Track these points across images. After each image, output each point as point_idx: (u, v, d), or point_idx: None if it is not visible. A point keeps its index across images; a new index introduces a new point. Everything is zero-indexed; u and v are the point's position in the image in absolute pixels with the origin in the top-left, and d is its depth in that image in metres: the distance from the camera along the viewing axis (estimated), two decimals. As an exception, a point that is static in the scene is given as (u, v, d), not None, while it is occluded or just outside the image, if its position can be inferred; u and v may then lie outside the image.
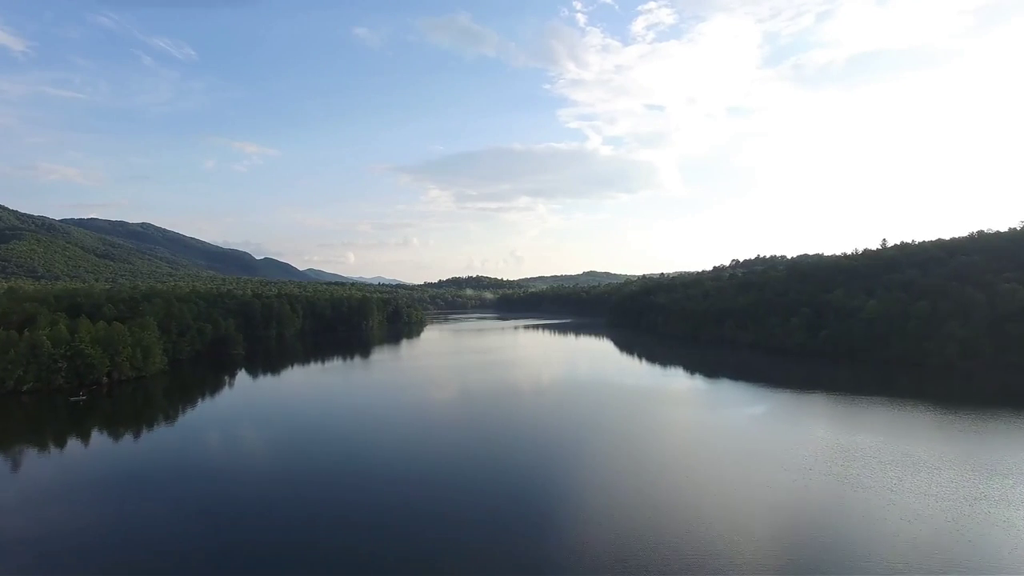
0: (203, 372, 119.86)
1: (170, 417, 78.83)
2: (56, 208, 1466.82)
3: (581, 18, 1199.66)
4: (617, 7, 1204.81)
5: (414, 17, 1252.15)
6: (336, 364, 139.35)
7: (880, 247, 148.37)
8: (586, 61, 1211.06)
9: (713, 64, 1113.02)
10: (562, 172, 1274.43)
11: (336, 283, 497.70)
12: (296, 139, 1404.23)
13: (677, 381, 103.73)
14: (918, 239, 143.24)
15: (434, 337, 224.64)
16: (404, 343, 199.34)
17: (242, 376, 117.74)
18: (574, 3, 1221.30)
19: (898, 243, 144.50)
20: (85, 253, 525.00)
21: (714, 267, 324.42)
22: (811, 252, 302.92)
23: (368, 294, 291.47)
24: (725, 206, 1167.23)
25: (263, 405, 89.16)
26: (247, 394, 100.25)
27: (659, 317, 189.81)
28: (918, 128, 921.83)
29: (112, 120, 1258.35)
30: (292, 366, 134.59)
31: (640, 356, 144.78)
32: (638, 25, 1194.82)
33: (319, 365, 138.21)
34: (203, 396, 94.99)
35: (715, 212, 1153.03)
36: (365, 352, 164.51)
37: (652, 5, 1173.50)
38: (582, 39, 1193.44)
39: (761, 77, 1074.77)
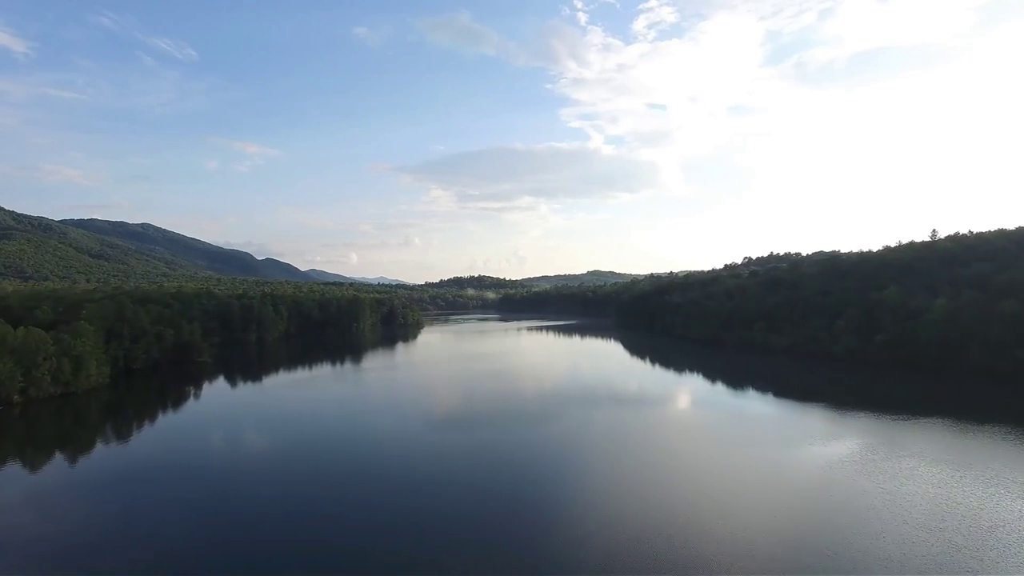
0: (157, 384, 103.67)
1: (83, 448, 62.42)
2: (59, 209, 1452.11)
3: (582, 17, 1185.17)
4: (618, 6, 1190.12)
5: (414, 16, 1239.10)
6: (315, 372, 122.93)
7: (931, 238, 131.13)
8: (587, 60, 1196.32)
9: (715, 63, 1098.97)
10: (564, 172, 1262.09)
11: (335, 283, 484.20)
12: (297, 139, 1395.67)
13: (717, 398, 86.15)
14: (973, 230, 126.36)
15: (431, 340, 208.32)
16: (396, 347, 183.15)
17: (204, 388, 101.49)
18: (575, 2, 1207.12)
19: (952, 234, 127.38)
20: (79, 254, 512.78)
21: (726, 265, 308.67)
22: (827, 249, 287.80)
23: (360, 294, 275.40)
24: (729, 205, 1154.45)
25: (215, 425, 72.64)
26: (202, 410, 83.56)
27: (676, 318, 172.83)
28: (922, 126, 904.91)
29: (114, 121, 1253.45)
30: (264, 375, 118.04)
31: (661, 364, 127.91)
32: (639, 24, 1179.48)
33: (295, 374, 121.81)
34: (144, 416, 78.64)
35: (719, 211, 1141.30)
36: (350, 357, 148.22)
37: (653, 3, 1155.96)
38: (583, 38, 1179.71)
39: (763, 76, 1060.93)
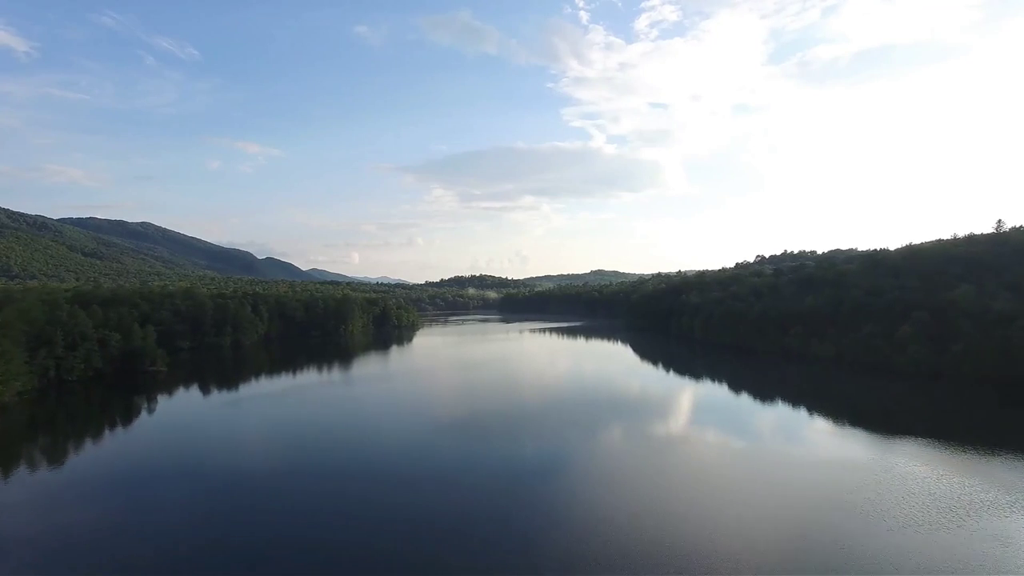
0: (93, 399, 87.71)
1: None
2: (62, 209, 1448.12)
3: (584, 15, 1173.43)
4: (620, 4, 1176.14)
5: (414, 15, 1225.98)
6: (286, 383, 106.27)
7: (996, 230, 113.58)
8: (589, 59, 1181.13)
9: (717, 61, 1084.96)
10: (566, 171, 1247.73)
11: (332, 283, 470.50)
12: (300, 139, 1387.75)
13: (771, 427, 68.99)
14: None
15: (425, 344, 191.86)
16: (384, 353, 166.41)
17: (146, 403, 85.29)
18: (576, 0, 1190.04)
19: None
20: (71, 252, 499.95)
21: (737, 264, 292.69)
22: (843, 247, 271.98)
23: (355, 293, 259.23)
24: (733, 204, 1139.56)
25: (134, 456, 56.45)
26: (130, 435, 67.30)
27: (695, 321, 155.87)
28: (928, 123, 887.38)
29: (118, 122, 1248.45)
30: (225, 387, 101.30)
31: (684, 374, 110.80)
32: (641, 22, 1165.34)
33: (262, 385, 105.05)
34: (49, 443, 62.75)
35: (723, 210, 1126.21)
36: (331, 365, 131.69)
37: (655, 2, 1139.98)
38: (585, 36, 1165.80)
39: (766, 74, 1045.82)
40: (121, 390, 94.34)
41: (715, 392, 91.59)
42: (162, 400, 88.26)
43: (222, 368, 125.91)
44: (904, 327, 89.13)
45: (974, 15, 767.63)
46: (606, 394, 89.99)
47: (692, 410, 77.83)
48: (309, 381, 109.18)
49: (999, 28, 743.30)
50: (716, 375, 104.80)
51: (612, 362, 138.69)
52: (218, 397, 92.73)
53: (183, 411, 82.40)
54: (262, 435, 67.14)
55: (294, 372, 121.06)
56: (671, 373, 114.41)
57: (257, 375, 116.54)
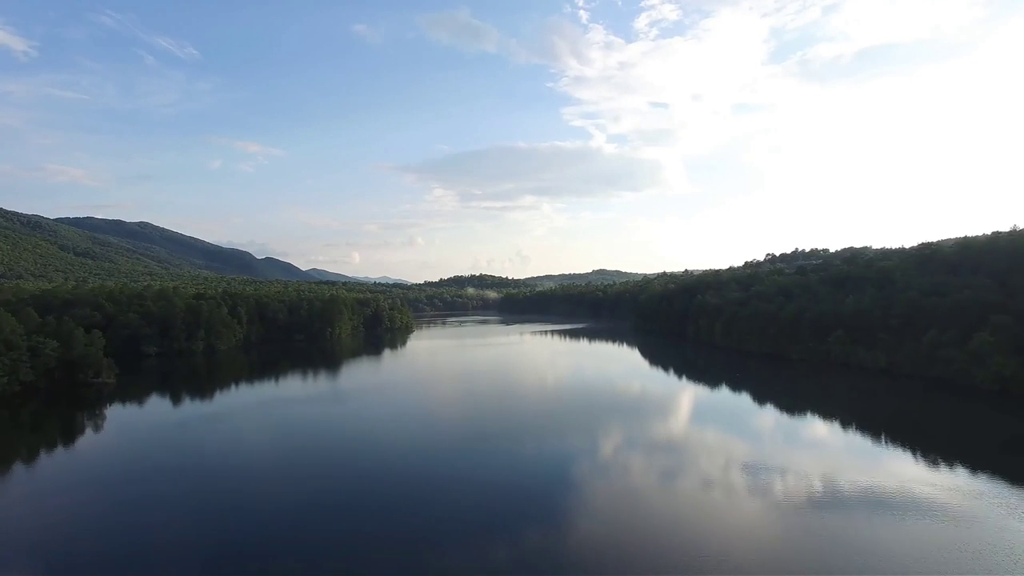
0: (16, 419, 73.73)
1: None
2: (64, 209, 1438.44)
3: (583, 15, 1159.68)
4: (620, 3, 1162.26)
5: (413, 13, 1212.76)
6: (256, 397, 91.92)
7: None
8: (589, 58, 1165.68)
9: (718, 60, 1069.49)
10: (567, 171, 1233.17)
11: (328, 282, 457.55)
12: (300, 139, 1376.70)
13: (851, 462, 54.67)
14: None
15: (416, 348, 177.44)
16: (373, 358, 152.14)
17: (89, 424, 72.23)
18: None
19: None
20: (62, 252, 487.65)
21: (746, 262, 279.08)
22: (857, 244, 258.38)
23: (341, 294, 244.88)
24: (736, 203, 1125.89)
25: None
26: (53, 469, 53.32)
27: (715, 323, 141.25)
28: (932, 122, 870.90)
29: (118, 122, 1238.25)
30: (186, 401, 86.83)
31: (716, 387, 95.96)
32: (641, 21, 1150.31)
33: (228, 400, 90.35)
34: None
35: (725, 209, 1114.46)
36: (314, 373, 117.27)
37: (655, 1, 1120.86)
38: (584, 35, 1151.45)
39: (767, 73, 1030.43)
40: (55, 406, 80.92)
41: (755, 410, 76.75)
42: (101, 419, 75.47)
43: (188, 377, 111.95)
44: (981, 334, 74.41)
45: (976, 12, 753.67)
46: (628, 417, 75.50)
47: (729, 432, 63.26)
48: (281, 394, 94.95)
49: (1001, 26, 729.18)
50: (746, 387, 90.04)
51: (629, 374, 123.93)
52: (171, 414, 79.06)
53: (125, 431, 68.97)
54: (208, 462, 54.94)
55: (266, 382, 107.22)
56: (704, 388, 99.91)
57: (224, 386, 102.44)
